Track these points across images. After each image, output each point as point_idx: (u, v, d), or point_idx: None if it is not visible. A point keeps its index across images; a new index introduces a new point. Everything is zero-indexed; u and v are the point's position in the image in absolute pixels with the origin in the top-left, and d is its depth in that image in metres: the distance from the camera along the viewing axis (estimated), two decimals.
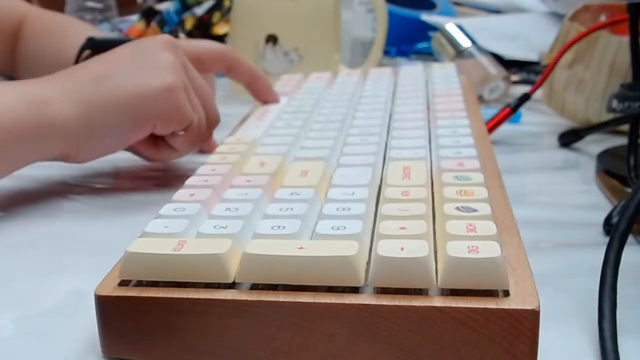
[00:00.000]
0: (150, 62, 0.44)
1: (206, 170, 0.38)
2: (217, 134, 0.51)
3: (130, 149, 0.48)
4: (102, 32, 0.76)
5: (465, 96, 0.50)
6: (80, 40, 0.62)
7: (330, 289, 0.26)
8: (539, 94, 0.63)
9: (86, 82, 0.43)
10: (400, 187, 0.33)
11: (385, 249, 0.26)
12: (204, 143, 0.49)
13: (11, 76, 0.78)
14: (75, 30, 0.69)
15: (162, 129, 0.45)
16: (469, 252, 0.26)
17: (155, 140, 0.47)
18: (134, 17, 1.04)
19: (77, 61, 0.61)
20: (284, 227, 0.29)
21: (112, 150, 0.46)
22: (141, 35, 0.93)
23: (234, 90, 0.74)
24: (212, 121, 0.48)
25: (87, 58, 0.60)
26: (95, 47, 0.61)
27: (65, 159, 0.44)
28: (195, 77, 0.47)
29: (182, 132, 0.45)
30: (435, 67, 0.61)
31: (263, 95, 0.53)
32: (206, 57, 0.51)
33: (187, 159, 0.52)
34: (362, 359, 0.26)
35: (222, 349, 0.27)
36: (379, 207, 0.31)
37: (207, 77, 0.59)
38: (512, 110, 0.59)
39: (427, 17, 0.99)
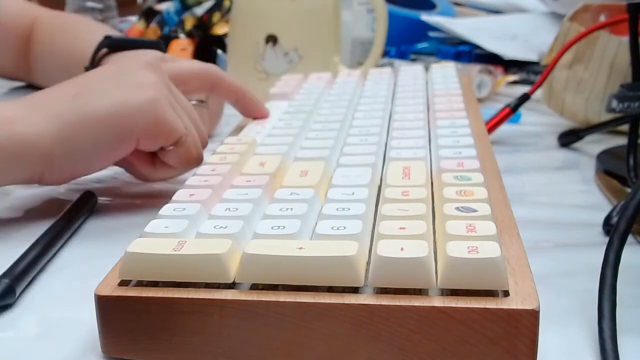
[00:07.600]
0: (131, 80, 0.43)
1: (206, 170, 0.38)
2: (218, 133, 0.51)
3: (125, 166, 0.46)
4: (116, 31, 0.74)
5: (465, 96, 0.50)
6: (95, 39, 0.59)
7: (330, 289, 0.26)
8: (538, 94, 0.63)
9: (61, 98, 0.41)
10: (400, 187, 0.33)
11: (385, 249, 0.26)
12: (199, 163, 0.45)
13: (27, 81, 0.77)
14: (89, 29, 0.67)
15: (148, 143, 0.43)
16: (468, 252, 0.26)
17: (152, 158, 0.45)
18: (134, 18, 1.04)
19: (93, 59, 0.58)
20: (284, 227, 0.29)
21: (93, 169, 0.44)
22: (141, 35, 0.93)
23: None
24: (201, 142, 0.46)
25: (103, 57, 0.58)
26: (113, 45, 0.58)
27: (40, 179, 0.42)
28: (180, 98, 0.45)
29: (171, 147, 0.43)
30: (435, 67, 0.61)
31: (252, 111, 0.51)
32: (187, 76, 0.49)
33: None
34: (362, 359, 0.26)
35: (222, 349, 0.27)
36: (378, 207, 0.31)
37: (205, 105, 0.56)
38: (511, 110, 0.59)
39: (427, 17, 0.99)
